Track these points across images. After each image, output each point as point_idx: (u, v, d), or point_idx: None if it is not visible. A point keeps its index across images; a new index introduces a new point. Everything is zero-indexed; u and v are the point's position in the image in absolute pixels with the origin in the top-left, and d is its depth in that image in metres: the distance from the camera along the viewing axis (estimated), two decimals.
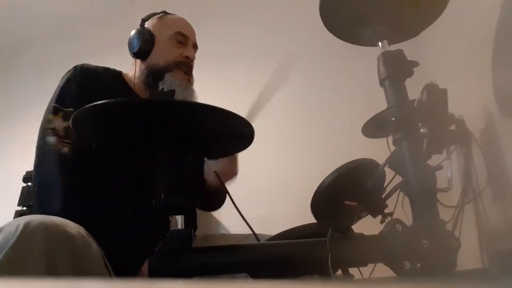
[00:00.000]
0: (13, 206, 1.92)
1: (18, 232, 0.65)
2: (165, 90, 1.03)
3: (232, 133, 0.75)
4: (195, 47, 1.18)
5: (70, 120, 0.65)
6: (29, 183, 1.94)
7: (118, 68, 1.18)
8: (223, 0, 2.28)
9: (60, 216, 0.74)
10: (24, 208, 1.92)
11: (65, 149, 0.93)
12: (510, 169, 0.80)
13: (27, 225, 0.66)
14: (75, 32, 2.72)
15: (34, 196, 0.94)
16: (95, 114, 0.67)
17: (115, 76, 1.14)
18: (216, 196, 1.13)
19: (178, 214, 0.70)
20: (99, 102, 0.62)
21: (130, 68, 1.16)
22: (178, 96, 1.05)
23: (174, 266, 0.66)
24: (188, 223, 0.71)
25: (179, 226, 0.69)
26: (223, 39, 2.11)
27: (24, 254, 0.64)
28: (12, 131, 2.68)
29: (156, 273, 0.65)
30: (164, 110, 0.67)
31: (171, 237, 0.67)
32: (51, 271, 0.65)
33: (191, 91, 1.12)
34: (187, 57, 1.11)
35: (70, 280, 0.41)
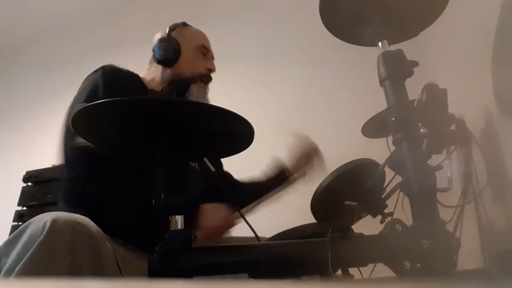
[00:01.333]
0: (13, 206, 1.92)
1: (46, 228, 0.66)
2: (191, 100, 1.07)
3: (232, 133, 0.75)
4: (212, 58, 1.23)
5: (70, 120, 0.65)
6: (29, 183, 1.94)
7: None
8: (223, 1, 2.29)
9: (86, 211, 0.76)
10: (24, 208, 1.92)
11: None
12: (510, 169, 0.80)
13: (54, 222, 0.67)
14: (75, 32, 2.72)
15: (66, 191, 0.95)
16: (94, 114, 0.67)
17: (136, 79, 1.16)
18: None
19: (178, 214, 0.70)
20: (98, 101, 0.62)
21: (146, 72, 1.18)
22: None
23: (174, 266, 0.66)
24: (188, 223, 0.71)
25: (179, 226, 0.69)
26: (223, 39, 2.10)
27: (51, 251, 0.66)
28: (12, 131, 2.68)
29: (156, 273, 0.65)
30: (164, 108, 0.67)
31: (171, 237, 0.67)
32: (74, 268, 0.66)
33: (208, 101, 1.17)
34: (209, 69, 1.18)
35: (70, 280, 0.41)
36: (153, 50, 1.14)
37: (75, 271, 0.66)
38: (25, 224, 0.71)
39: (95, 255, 0.71)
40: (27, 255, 0.64)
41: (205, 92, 1.17)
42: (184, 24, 1.21)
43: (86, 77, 1.07)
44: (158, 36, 1.15)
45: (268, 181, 1.20)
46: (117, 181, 0.94)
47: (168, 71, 1.13)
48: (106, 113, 0.68)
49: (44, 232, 0.66)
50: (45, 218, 0.68)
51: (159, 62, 1.13)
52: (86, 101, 0.99)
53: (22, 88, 2.82)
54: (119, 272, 0.79)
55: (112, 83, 1.02)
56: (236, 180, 1.26)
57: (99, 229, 0.75)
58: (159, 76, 1.14)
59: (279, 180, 1.21)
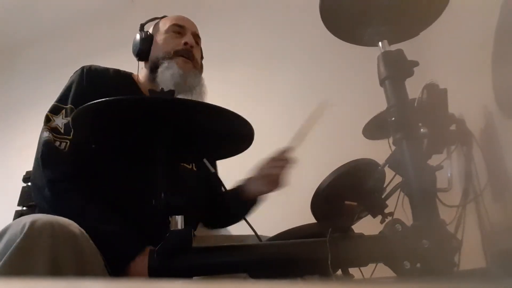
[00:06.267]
0: (13, 206, 1.92)
1: (24, 230, 0.65)
2: (165, 73, 1.06)
3: (231, 133, 0.74)
4: (196, 37, 1.18)
5: (70, 119, 0.65)
6: (29, 183, 1.94)
7: (119, 68, 1.18)
8: (223, 1, 2.29)
9: (49, 212, 0.74)
10: (24, 208, 1.92)
11: (63, 145, 0.93)
12: (510, 168, 0.80)
13: (32, 224, 0.66)
14: (75, 32, 2.71)
15: (31, 191, 0.96)
16: (94, 113, 0.66)
17: (125, 78, 1.15)
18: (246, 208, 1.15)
19: (178, 214, 0.70)
20: (97, 100, 0.62)
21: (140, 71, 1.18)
22: (181, 78, 1.06)
23: (174, 266, 0.66)
24: (188, 223, 0.71)
25: (179, 226, 0.69)
26: (223, 39, 2.11)
27: (29, 252, 0.64)
28: (12, 131, 2.67)
29: (156, 273, 0.65)
30: (162, 108, 0.67)
31: (171, 237, 0.67)
32: (56, 270, 0.65)
33: (197, 77, 1.13)
34: (185, 43, 1.12)
35: (70, 280, 0.41)
36: (132, 51, 1.15)
37: (57, 272, 0.65)
38: (5, 227, 0.70)
39: (78, 255, 0.69)
40: (5, 257, 0.63)
41: (188, 65, 1.10)
42: (162, 18, 1.20)
43: (70, 77, 1.08)
44: None
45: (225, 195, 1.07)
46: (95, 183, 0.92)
47: (148, 63, 1.13)
48: (104, 113, 0.68)
49: (23, 233, 0.64)
50: (24, 220, 0.67)
51: (136, 57, 1.14)
52: (58, 101, 1.01)
53: (22, 88, 2.81)
54: (107, 273, 0.77)
55: (86, 83, 1.03)
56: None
57: (82, 230, 0.73)
58: (144, 71, 1.14)
59: (233, 199, 1.10)
